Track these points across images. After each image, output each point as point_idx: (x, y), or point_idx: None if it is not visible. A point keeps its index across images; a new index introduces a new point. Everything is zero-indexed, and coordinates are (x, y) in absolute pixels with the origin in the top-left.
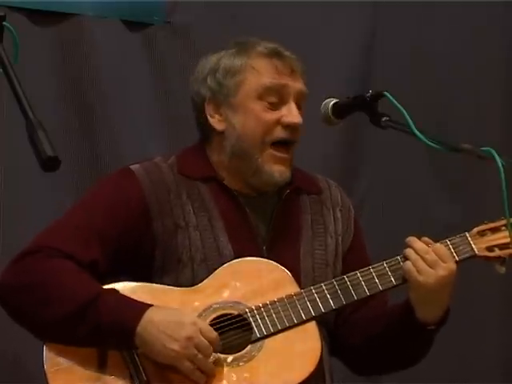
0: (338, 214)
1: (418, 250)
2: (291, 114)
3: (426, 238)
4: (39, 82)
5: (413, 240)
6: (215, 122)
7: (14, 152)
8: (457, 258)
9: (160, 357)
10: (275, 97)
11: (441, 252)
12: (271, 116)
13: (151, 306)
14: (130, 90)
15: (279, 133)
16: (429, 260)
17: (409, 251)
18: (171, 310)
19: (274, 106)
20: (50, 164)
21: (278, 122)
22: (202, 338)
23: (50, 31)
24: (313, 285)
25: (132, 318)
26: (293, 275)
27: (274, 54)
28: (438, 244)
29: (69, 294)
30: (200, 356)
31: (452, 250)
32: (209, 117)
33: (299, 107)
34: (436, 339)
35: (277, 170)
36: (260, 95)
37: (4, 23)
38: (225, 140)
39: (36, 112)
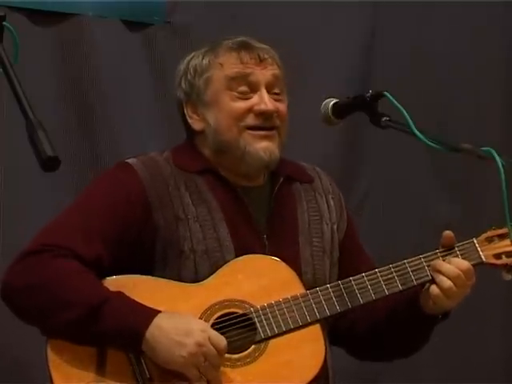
0: (331, 202)
1: (448, 274)
2: (262, 101)
3: (449, 232)
4: (39, 82)
5: (439, 264)
6: (194, 122)
7: (14, 152)
8: None
9: (167, 363)
10: (244, 86)
11: (469, 273)
12: (241, 104)
13: (160, 312)
14: (130, 90)
15: (252, 120)
16: (458, 284)
17: (440, 279)
18: (180, 317)
19: (245, 95)
20: (50, 164)
21: (250, 110)
22: (211, 347)
23: (50, 31)
24: (313, 274)
25: (141, 323)
26: (294, 264)
27: (241, 47)
28: (465, 263)
29: (76, 297)
30: (207, 364)
31: (460, 257)
32: (188, 118)
33: (276, 93)
34: (438, 339)
35: (260, 147)
36: (228, 87)
37: (4, 23)
38: (206, 138)
39: (36, 112)
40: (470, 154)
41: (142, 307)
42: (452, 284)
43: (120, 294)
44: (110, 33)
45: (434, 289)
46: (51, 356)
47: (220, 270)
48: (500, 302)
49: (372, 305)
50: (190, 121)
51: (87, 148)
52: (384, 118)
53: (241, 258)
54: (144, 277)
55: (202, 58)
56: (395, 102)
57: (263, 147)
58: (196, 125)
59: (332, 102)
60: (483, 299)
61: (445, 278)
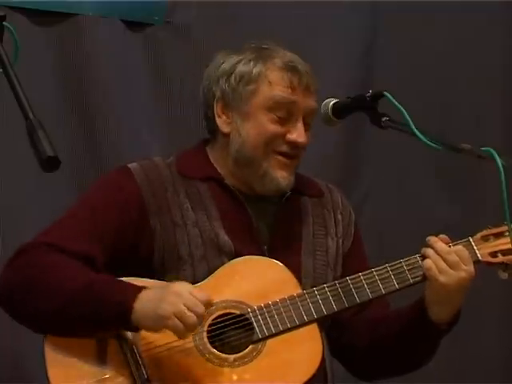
0: (339, 217)
1: (440, 250)
2: (297, 132)
3: (444, 236)
4: (39, 81)
5: (434, 240)
6: (222, 122)
7: (13, 152)
8: None
9: (153, 322)
10: (284, 112)
11: (462, 254)
12: (276, 129)
13: (145, 287)
14: (130, 90)
15: (282, 147)
16: (450, 261)
17: (429, 251)
18: (166, 284)
19: (282, 121)
20: (50, 164)
21: (282, 136)
22: (189, 295)
23: (50, 31)
24: (313, 285)
25: (129, 296)
26: (294, 275)
27: (291, 68)
28: (459, 246)
29: (63, 284)
30: (189, 314)
31: None
32: (216, 116)
33: (307, 123)
34: None
35: (281, 175)
36: (270, 107)
37: (4, 23)
38: (229, 143)
39: (36, 112)
40: (469, 154)
41: (127, 283)
42: (439, 257)
43: (103, 277)
44: (110, 33)
45: (426, 261)
46: (48, 355)
47: (218, 270)
48: (496, 300)
49: (375, 316)
50: (217, 119)
51: (87, 148)
52: (384, 118)
53: (238, 259)
54: (142, 279)
55: (253, 67)
56: (395, 102)
57: (284, 176)
58: (224, 126)
59: (332, 102)
60: (479, 298)
61: (432, 250)
